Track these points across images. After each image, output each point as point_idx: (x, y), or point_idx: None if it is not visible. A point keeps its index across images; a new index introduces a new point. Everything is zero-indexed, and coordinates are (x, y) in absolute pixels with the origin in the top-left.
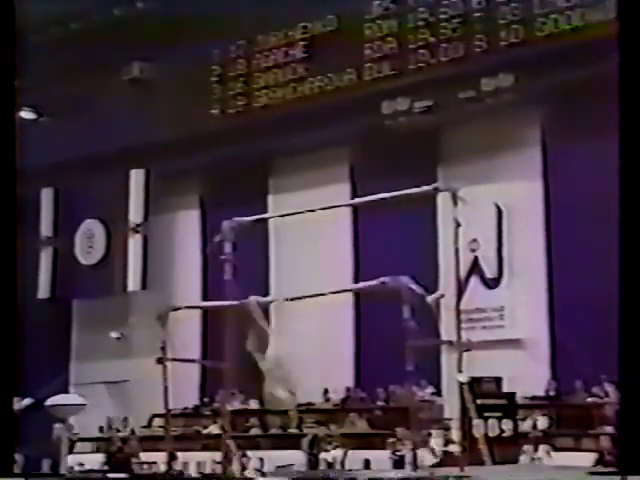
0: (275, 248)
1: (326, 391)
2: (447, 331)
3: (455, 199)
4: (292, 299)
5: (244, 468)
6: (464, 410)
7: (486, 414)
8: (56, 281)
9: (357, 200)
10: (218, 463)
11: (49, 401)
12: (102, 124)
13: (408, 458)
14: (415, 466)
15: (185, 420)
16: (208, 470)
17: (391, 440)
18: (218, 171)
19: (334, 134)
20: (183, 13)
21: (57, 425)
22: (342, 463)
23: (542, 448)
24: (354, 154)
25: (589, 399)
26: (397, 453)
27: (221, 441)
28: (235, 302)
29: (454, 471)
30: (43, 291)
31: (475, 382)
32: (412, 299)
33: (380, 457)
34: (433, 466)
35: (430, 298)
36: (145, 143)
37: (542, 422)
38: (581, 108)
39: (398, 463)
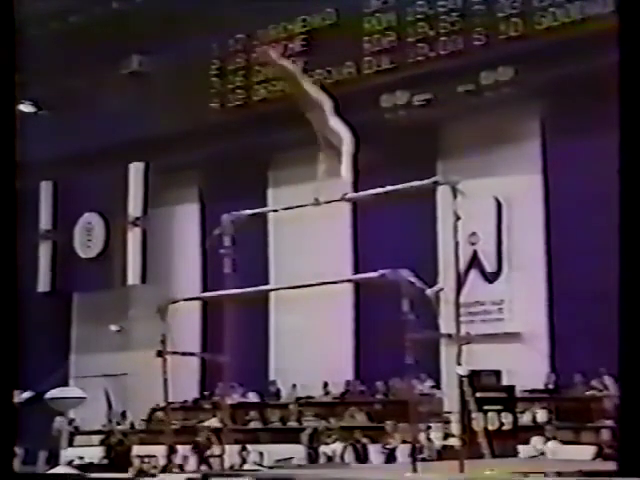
0: (274, 241)
1: (326, 384)
2: (446, 324)
3: (454, 192)
4: (290, 288)
5: (244, 461)
6: (463, 403)
7: (485, 407)
8: (56, 274)
9: (357, 194)
10: (217, 456)
11: (49, 394)
12: (101, 117)
13: (400, 451)
14: (414, 460)
15: (185, 413)
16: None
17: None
18: (218, 164)
19: None
20: (182, 6)
21: (58, 418)
22: (342, 456)
23: (541, 441)
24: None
25: (588, 392)
26: (387, 446)
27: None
28: (236, 291)
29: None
30: (43, 284)
31: (474, 375)
32: (411, 292)
33: (379, 450)
34: (431, 460)
35: (429, 291)
36: (144, 136)
37: (541, 415)
38: (581, 102)
39: (389, 457)
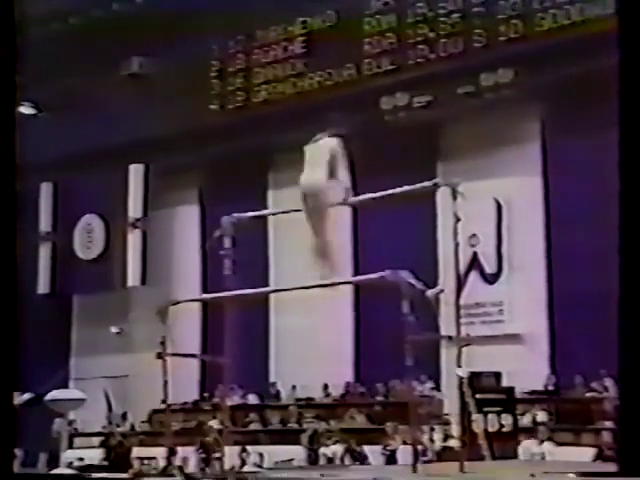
0: (274, 243)
1: (326, 386)
2: (446, 326)
3: (454, 194)
4: (290, 289)
5: (244, 463)
6: (463, 405)
7: (485, 409)
8: (55, 276)
9: (358, 198)
10: (217, 459)
11: (49, 396)
12: (101, 119)
13: (400, 453)
14: (415, 461)
15: (185, 415)
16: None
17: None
18: (218, 166)
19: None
20: (182, 8)
21: (58, 420)
22: (342, 458)
23: (535, 444)
24: (353, 149)
25: (588, 394)
26: (388, 448)
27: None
28: (237, 293)
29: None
30: (43, 286)
31: (474, 377)
32: (412, 294)
33: (379, 452)
34: (431, 461)
35: (429, 293)
36: (144, 138)
37: (541, 417)
38: (581, 103)
39: (390, 458)
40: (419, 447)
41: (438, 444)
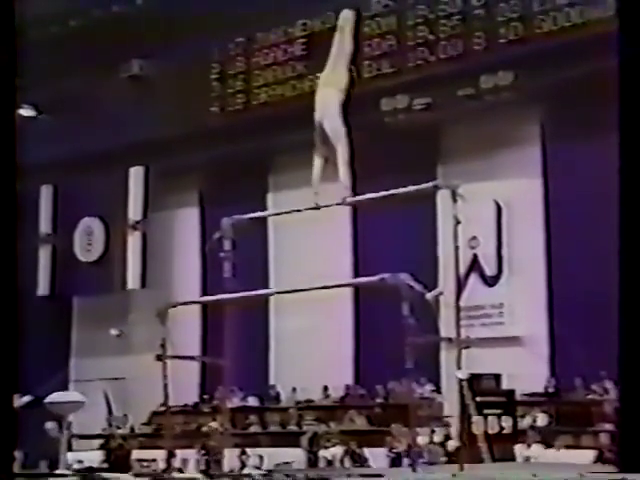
0: (274, 245)
1: (325, 388)
2: (446, 328)
3: (454, 196)
4: (290, 292)
5: (243, 465)
6: (463, 407)
7: (485, 411)
8: (56, 278)
9: (357, 198)
10: (217, 462)
11: (48, 398)
12: (101, 121)
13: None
14: (414, 463)
15: (184, 417)
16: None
17: (389, 437)
18: (218, 168)
19: None
20: (182, 10)
21: (49, 424)
22: (341, 460)
23: (541, 445)
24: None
25: (589, 396)
26: (393, 450)
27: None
28: (236, 295)
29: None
30: (43, 288)
31: (474, 379)
32: (411, 296)
33: (379, 454)
34: (433, 463)
35: (429, 295)
36: (145, 140)
37: (541, 419)
38: (581, 106)
39: (395, 460)
40: (417, 449)
41: (439, 446)
